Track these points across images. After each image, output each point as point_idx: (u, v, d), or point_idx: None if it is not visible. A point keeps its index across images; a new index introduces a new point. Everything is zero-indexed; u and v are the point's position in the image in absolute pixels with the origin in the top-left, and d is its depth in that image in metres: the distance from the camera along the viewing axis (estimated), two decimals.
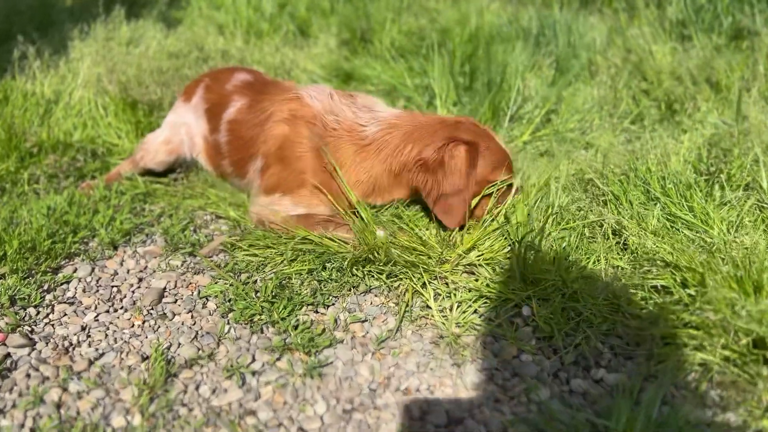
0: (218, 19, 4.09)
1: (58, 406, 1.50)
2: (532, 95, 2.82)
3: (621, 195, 2.10)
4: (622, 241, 1.98)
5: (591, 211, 2.05)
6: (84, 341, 1.74)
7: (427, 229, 2.08)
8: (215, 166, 2.46)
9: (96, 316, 1.84)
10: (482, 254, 1.90)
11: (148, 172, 2.59)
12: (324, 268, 1.96)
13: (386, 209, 2.18)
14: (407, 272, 1.90)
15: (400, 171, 2.03)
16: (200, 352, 1.68)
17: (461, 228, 2.02)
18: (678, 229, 2.02)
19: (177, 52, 3.39)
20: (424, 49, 3.36)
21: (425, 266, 1.89)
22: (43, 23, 3.97)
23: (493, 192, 2.00)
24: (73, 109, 2.90)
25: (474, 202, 2.00)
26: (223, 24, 4.04)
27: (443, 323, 1.74)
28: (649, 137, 2.44)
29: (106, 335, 1.76)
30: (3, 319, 1.78)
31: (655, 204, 2.06)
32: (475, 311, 1.78)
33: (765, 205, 2.13)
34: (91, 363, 1.65)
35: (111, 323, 1.81)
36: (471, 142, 1.96)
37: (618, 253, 1.94)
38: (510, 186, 2.04)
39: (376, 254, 1.92)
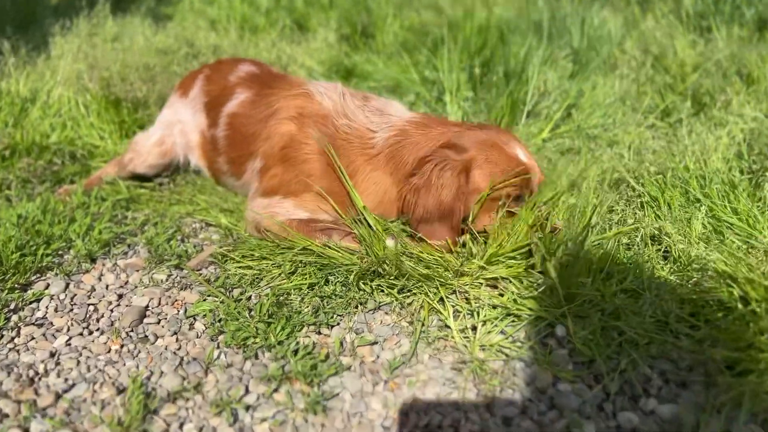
0: (210, 14, 3.87)
1: None
2: (549, 90, 2.59)
3: (659, 196, 1.88)
4: (662, 249, 1.76)
5: (627, 214, 1.82)
6: (52, 370, 1.51)
7: None
8: (210, 164, 2.24)
9: (68, 340, 1.61)
10: (507, 269, 1.66)
11: (134, 177, 2.36)
12: (327, 282, 1.73)
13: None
14: (422, 286, 1.67)
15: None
16: (185, 382, 1.45)
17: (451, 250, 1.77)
18: (723, 234, 1.80)
19: (165, 48, 3.17)
20: (429, 42, 3.14)
21: (442, 279, 1.66)
22: (25, 20, 3.74)
23: (500, 204, 1.76)
24: (51, 108, 2.67)
25: (475, 211, 1.76)
26: (215, 19, 3.82)
27: (465, 346, 1.52)
28: (686, 133, 2.21)
29: (78, 362, 1.53)
30: None
31: (698, 206, 1.84)
32: (502, 331, 1.55)
33: None
34: (58, 397, 1.42)
35: (84, 348, 1.58)
36: (465, 159, 1.73)
37: (659, 263, 1.71)
38: (520, 197, 1.80)
39: (385, 266, 1.69)
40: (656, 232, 1.79)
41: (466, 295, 1.65)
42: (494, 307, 1.60)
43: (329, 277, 1.73)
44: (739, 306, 1.44)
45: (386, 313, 1.67)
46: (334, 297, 1.69)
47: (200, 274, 1.85)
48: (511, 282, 1.63)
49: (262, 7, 3.91)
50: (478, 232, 1.75)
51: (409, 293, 1.68)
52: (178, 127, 2.31)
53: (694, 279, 1.58)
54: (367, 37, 3.72)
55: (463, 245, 1.76)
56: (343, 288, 1.71)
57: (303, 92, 1.99)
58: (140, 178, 2.38)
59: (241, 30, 3.72)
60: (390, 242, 1.74)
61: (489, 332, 1.54)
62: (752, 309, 1.42)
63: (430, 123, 1.88)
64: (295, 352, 1.50)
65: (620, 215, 1.81)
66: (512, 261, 1.68)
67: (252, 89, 2.11)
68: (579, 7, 3.94)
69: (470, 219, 1.77)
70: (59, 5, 4.19)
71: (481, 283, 1.67)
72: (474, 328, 1.56)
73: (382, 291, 1.70)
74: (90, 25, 3.28)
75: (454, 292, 1.67)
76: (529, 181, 1.76)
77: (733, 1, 3.94)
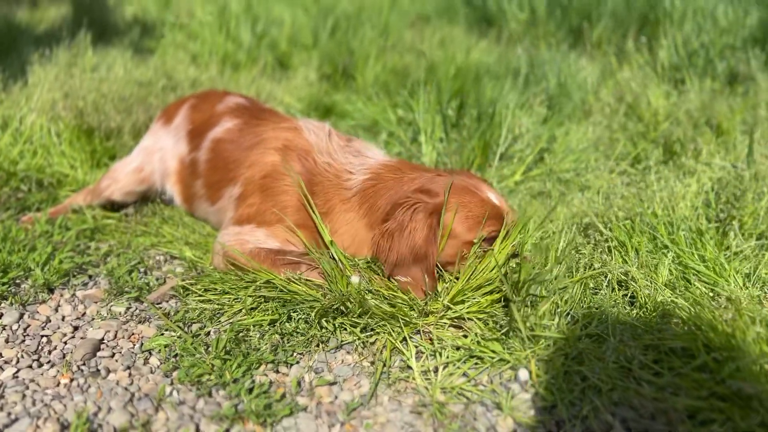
0: (193, 49, 3.89)
1: None
2: (523, 133, 2.62)
3: (627, 242, 1.88)
4: (629, 294, 1.75)
5: (594, 258, 1.82)
6: None
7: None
8: (185, 188, 2.24)
9: (16, 372, 1.55)
10: (472, 307, 1.64)
11: (107, 205, 2.33)
12: (289, 318, 1.69)
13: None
14: (385, 325, 1.64)
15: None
16: (134, 419, 1.39)
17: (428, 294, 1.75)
18: (690, 281, 1.80)
19: (144, 80, 3.16)
20: (409, 84, 3.17)
21: (406, 319, 1.64)
22: (5, 47, 3.73)
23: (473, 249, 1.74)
24: (22, 135, 2.63)
25: (449, 252, 1.76)
26: (197, 54, 3.84)
27: (426, 388, 1.48)
28: (655, 179, 2.23)
29: (24, 396, 1.47)
30: None
31: (665, 252, 1.84)
32: (464, 374, 1.52)
33: None
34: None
35: (32, 381, 1.52)
36: (436, 203, 1.73)
37: (626, 308, 1.70)
38: (494, 238, 1.77)
39: (349, 304, 1.66)
40: (623, 278, 1.78)
41: (430, 335, 1.62)
42: (457, 348, 1.57)
43: (291, 314, 1.70)
44: (702, 353, 1.42)
45: (348, 353, 1.63)
46: (295, 334, 1.65)
47: (160, 308, 1.80)
48: (475, 323, 1.61)
49: (245, 44, 3.94)
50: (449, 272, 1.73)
51: (372, 332, 1.65)
52: (158, 154, 2.30)
53: (659, 325, 1.56)
54: (348, 77, 3.76)
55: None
56: (306, 325, 1.67)
57: (292, 126, 2.02)
58: (110, 208, 2.35)
59: (222, 65, 3.75)
60: (354, 279, 1.71)
61: (451, 374, 1.51)
62: (714, 357, 1.40)
63: (404, 168, 1.89)
64: (250, 390, 1.45)
65: (587, 259, 1.80)
66: (478, 298, 1.66)
67: (240, 118, 2.12)
68: (557, 55, 4.02)
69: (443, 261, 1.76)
70: (42, 35, 4.20)
71: (446, 323, 1.64)
72: (436, 370, 1.52)
73: (345, 329, 1.67)
74: (70, 55, 3.28)
75: (418, 332, 1.64)
76: (503, 221, 1.75)
77: (706, 55, 4.05)
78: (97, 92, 2.73)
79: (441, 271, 1.78)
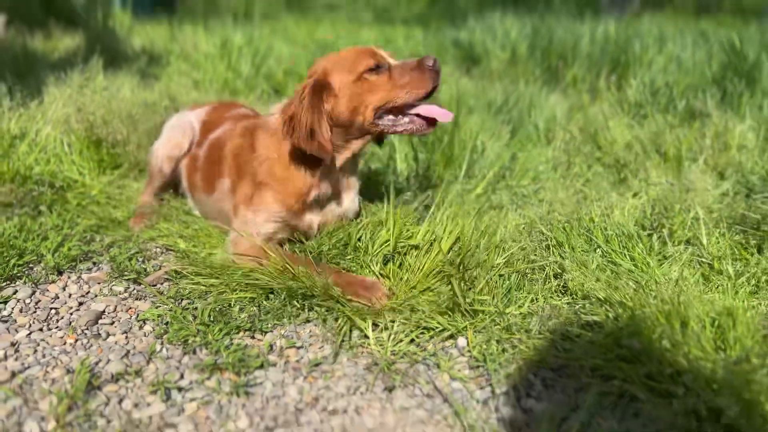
0: (195, 76, 4.22)
1: None
2: (488, 154, 2.92)
3: (564, 241, 2.16)
4: (562, 283, 2.01)
5: (535, 253, 2.09)
6: (11, 356, 1.70)
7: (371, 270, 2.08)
8: (189, 176, 2.55)
9: (28, 334, 1.81)
10: (422, 290, 1.91)
11: (165, 189, 2.68)
12: (267, 298, 1.95)
13: (331, 255, 2.17)
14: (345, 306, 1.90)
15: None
16: (128, 368, 1.65)
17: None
18: (619, 277, 2.07)
19: (150, 101, 3.48)
20: None
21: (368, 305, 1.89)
22: (24, 71, 4.07)
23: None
24: (38, 145, 2.93)
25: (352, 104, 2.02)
26: (199, 81, 4.17)
27: (379, 352, 1.74)
28: (595, 192, 2.52)
29: (35, 351, 1.73)
30: None
31: (596, 250, 2.11)
32: (412, 341, 1.78)
33: (704, 260, 2.19)
34: (14, 375, 1.60)
35: (42, 340, 1.78)
36: (307, 83, 2.03)
37: (559, 294, 1.97)
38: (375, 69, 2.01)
39: (315, 291, 1.92)
40: (558, 270, 2.05)
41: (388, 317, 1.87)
42: (406, 321, 1.83)
43: (269, 294, 1.96)
44: (611, 323, 1.69)
45: (315, 326, 1.88)
46: (271, 311, 1.91)
47: (155, 288, 2.06)
48: (425, 302, 1.87)
49: (244, 73, 4.29)
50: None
51: (337, 312, 1.91)
52: (187, 120, 2.63)
53: (580, 304, 1.83)
54: None
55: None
56: (279, 303, 1.93)
57: (254, 115, 2.37)
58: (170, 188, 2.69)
59: (222, 91, 4.08)
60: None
61: (401, 341, 1.76)
62: (620, 326, 1.67)
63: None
64: (228, 347, 1.71)
65: (526, 252, 2.07)
66: (428, 291, 1.92)
67: (235, 122, 2.42)
68: (532, 89, 4.36)
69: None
70: (57, 62, 4.55)
71: (400, 307, 1.90)
72: (389, 338, 1.78)
73: (312, 310, 1.92)
74: (83, 78, 3.61)
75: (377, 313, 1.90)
76: (374, 53, 2.03)
77: (669, 93, 4.38)
78: (106, 109, 3.04)
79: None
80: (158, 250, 2.36)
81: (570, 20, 7.07)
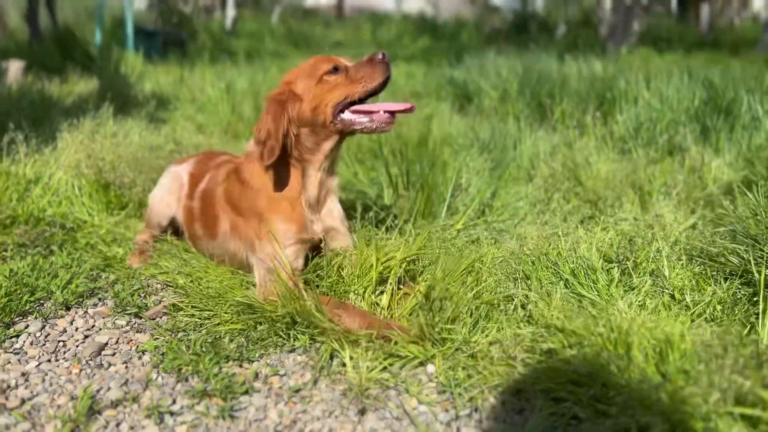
0: (200, 120, 4.47)
1: None
2: (471, 191, 3.11)
3: (531, 274, 2.32)
4: (528, 314, 2.17)
5: (503, 285, 2.26)
6: (21, 384, 1.88)
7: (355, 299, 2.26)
8: (188, 227, 2.72)
9: (38, 365, 2.00)
10: (398, 318, 2.08)
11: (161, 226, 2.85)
12: (255, 328, 2.13)
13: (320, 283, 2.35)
14: (328, 334, 2.07)
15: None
16: (127, 395, 1.82)
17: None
18: (584, 307, 2.22)
19: (155, 145, 3.72)
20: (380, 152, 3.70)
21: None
22: (39, 117, 4.34)
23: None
24: (50, 189, 3.16)
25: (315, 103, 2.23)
26: (203, 124, 4.42)
27: (354, 379, 1.90)
28: (565, 228, 2.69)
29: (44, 380, 1.91)
30: None
31: (560, 283, 2.28)
32: (385, 368, 1.94)
33: (666, 290, 2.34)
34: (23, 402, 1.79)
35: (50, 370, 1.96)
36: (271, 96, 2.27)
37: (524, 324, 2.13)
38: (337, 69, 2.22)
39: (298, 318, 2.09)
40: (525, 301, 2.21)
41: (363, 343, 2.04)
42: (381, 348, 1.99)
43: (257, 325, 2.14)
44: (566, 349, 1.85)
45: (299, 355, 2.06)
46: (259, 341, 2.08)
47: (154, 321, 2.25)
48: (398, 333, 2.04)
49: (245, 116, 4.53)
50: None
51: (319, 342, 2.08)
52: (177, 175, 2.81)
53: (540, 332, 1.99)
54: None
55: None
56: (268, 333, 2.10)
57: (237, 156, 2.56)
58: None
59: (224, 134, 4.32)
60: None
61: (374, 369, 1.93)
62: (572, 353, 1.82)
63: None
64: (217, 374, 1.89)
65: (494, 284, 2.24)
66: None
67: (217, 170, 2.61)
68: (520, 126, 4.56)
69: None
70: (71, 108, 4.82)
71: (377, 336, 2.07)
72: (365, 367, 1.95)
73: (297, 338, 2.10)
74: (94, 123, 3.86)
75: (356, 341, 2.06)
76: (331, 59, 2.25)
77: (652, 128, 4.57)
78: (114, 154, 3.28)
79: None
80: (159, 285, 2.55)
81: (560, 59, 7.33)
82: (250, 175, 2.37)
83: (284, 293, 2.11)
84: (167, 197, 2.77)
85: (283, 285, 2.13)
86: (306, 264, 2.38)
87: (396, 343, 1.98)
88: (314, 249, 2.41)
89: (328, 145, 2.31)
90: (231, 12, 19.17)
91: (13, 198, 3.06)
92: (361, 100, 2.25)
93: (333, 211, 2.43)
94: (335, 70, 2.24)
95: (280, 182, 2.32)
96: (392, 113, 2.25)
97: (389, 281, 2.24)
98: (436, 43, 15.89)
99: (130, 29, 9.88)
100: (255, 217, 2.34)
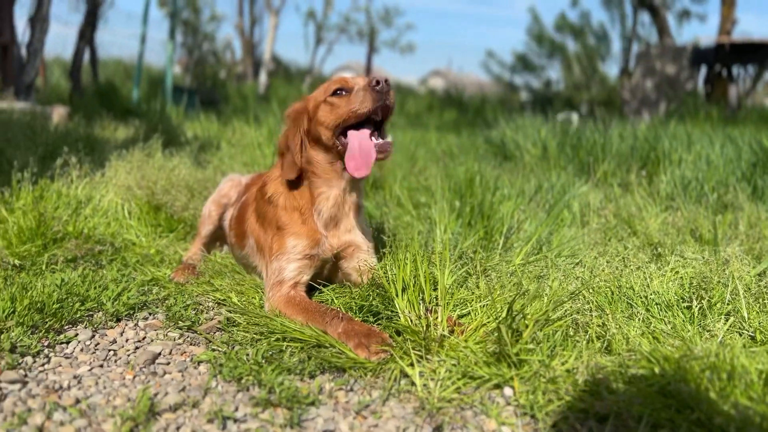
0: (244, 159, 4.49)
1: (40, 429, 1.52)
2: (526, 229, 3.03)
3: (606, 306, 2.21)
4: (605, 345, 2.05)
5: (578, 313, 2.14)
6: (75, 386, 1.78)
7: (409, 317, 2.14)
8: (228, 236, 2.80)
9: (90, 369, 1.90)
10: (467, 337, 1.96)
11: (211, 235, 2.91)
12: (318, 345, 2.02)
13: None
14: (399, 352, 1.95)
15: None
16: (186, 400, 1.71)
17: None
18: (660, 341, 2.10)
19: (205, 177, 3.72)
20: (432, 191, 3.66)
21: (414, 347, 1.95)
22: (88, 150, 4.38)
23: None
24: (101, 210, 3.14)
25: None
26: (246, 162, 4.43)
27: (426, 398, 1.77)
28: (636, 263, 2.59)
29: (97, 383, 1.81)
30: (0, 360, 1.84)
31: (638, 315, 2.16)
32: (458, 388, 1.81)
33: (745, 331, 2.21)
34: (78, 401, 1.68)
35: (103, 375, 1.86)
36: (290, 111, 2.38)
37: (602, 354, 2.00)
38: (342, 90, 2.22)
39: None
40: (602, 333, 2.09)
41: (431, 361, 1.92)
42: (453, 368, 1.87)
43: (320, 339, 2.03)
44: (655, 375, 1.71)
45: (362, 375, 1.94)
46: (322, 359, 1.97)
47: (209, 334, 2.15)
48: (470, 349, 1.92)
49: None
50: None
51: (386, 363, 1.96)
52: (237, 177, 2.94)
53: (625, 357, 1.86)
54: (378, 188, 4.29)
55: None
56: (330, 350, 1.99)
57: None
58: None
59: (266, 170, 4.34)
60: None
61: (447, 388, 1.80)
62: (666, 377, 1.69)
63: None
64: (280, 384, 1.77)
65: (569, 312, 2.12)
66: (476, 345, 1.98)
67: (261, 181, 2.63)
68: (565, 181, 4.51)
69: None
70: (119, 144, 4.88)
71: (444, 351, 1.95)
72: (436, 384, 1.82)
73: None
74: (143, 153, 3.88)
75: (422, 358, 1.95)
76: (346, 82, 2.23)
77: (700, 187, 4.50)
78: (166, 180, 3.26)
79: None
80: (210, 303, 2.46)
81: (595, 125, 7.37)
82: (271, 189, 2.41)
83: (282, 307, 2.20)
84: (225, 188, 2.91)
85: (284, 299, 2.21)
86: (318, 279, 2.39)
87: (392, 355, 1.91)
88: (333, 265, 2.42)
89: (340, 165, 2.27)
90: (263, 78, 19.81)
91: (65, 216, 3.03)
92: (360, 125, 2.21)
93: (355, 228, 2.40)
94: (341, 90, 2.24)
95: (295, 197, 2.35)
96: (377, 148, 2.18)
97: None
98: (462, 117, 16.18)
99: (169, 84, 10.16)
100: (271, 230, 2.38)
